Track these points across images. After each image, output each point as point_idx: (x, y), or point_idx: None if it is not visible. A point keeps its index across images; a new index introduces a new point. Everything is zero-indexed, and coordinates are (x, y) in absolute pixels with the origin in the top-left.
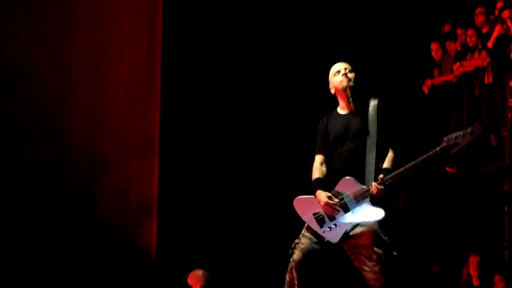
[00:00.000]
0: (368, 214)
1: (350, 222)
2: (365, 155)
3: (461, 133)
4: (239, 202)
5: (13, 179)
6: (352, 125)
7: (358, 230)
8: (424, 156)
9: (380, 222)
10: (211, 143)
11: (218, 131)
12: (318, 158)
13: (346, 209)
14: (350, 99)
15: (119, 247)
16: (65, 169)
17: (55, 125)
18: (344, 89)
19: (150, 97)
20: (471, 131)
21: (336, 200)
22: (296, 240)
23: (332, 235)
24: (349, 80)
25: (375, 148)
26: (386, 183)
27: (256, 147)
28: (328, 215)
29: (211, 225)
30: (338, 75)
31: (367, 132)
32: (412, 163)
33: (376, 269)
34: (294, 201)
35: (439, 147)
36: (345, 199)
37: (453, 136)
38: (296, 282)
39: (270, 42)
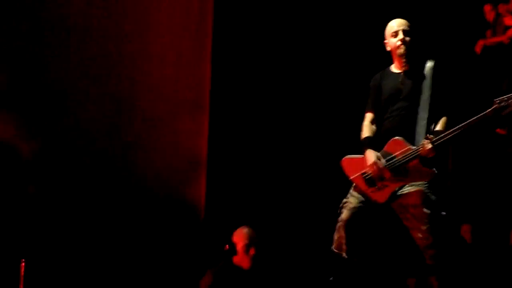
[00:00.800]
0: (417, 174)
1: (398, 183)
2: (417, 116)
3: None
4: (287, 161)
5: (64, 136)
6: (406, 84)
7: (406, 189)
8: (474, 118)
9: (429, 182)
10: (261, 102)
11: (268, 96)
12: (369, 116)
13: (395, 170)
14: (405, 61)
15: (168, 203)
16: (116, 124)
17: (109, 87)
18: (401, 54)
19: (201, 54)
20: None
21: (384, 161)
22: (344, 200)
23: (380, 195)
24: (406, 45)
25: (427, 109)
26: (436, 143)
27: (305, 108)
28: (378, 175)
29: (260, 183)
30: (396, 37)
31: (420, 93)
32: (462, 124)
33: (424, 228)
34: (342, 160)
35: (490, 109)
36: (394, 160)
37: (505, 98)
38: (343, 241)
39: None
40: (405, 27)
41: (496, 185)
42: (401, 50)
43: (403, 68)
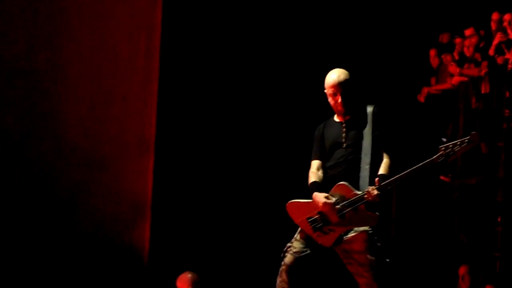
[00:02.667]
0: (363, 220)
1: (345, 228)
2: (360, 162)
3: (458, 142)
4: (232, 205)
5: (7, 177)
6: (348, 132)
7: (351, 234)
8: (420, 164)
9: (373, 228)
10: (206, 144)
11: (214, 132)
12: (315, 164)
13: (341, 214)
14: (344, 114)
15: (112, 247)
16: (60, 168)
17: (51, 123)
18: (338, 112)
19: (147, 98)
20: (468, 140)
21: (334, 199)
22: (288, 244)
23: (326, 239)
24: (342, 105)
25: (370, 154)
26: (383, 189)
27: (251, 149)
28: (323, 219)
29: (205, 227)
30: (332, 96)
31: (362, 139)
32: (408, 170)
33: (368, 274)
34: (287, 205)
35: (436, 156)
36: (340, 204)
37: (450, 145)
38: (286, 286)
39: (268, 45)
40: (339, 86)
41: (439, 231)
42: (339, 108)
43: (344, 119)
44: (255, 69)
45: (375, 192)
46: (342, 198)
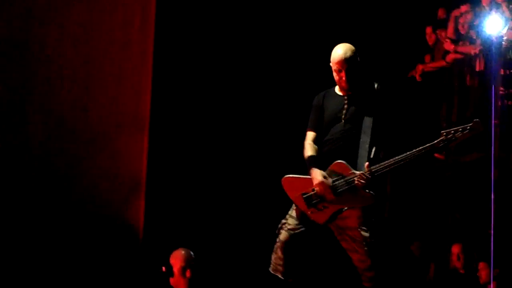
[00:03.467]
0: (357, 199)
1: (339, 206)
2: (359, 139)
3: (460, 128)
4: (226, 182)
5: (1, 156)
6: (349, 108)
7: (345, 211)
8: (422, 149)
9: (368, 205)
10: (200, 123)
11: (208, 111)
12: (310, 135)
13: (336, 192)
14: (348, 90)
15: (106, 225)
16: (55, 146)
17: (47, 102)
18: (342, 88)
19: (141, 77)
20: (470, 127)
21: (331, 180)
22: (283, 221)
23: (319, 216)
24: (347, 81)
25: (370, 133)
26: (375, 174)
27: (245, 128)
28: (318, 196)
29: (199, 205)
30: (336, 72)
31: (364, 117)
32: (404, 155)
33: (362, 250)
34: (282, 179)
35: (437, 140)
36: (337, 182)
37: (452, 131)
38: (281, 263)
39: (265, 23)
40: (345, 63)
41: (434, 208)
42: (342, 85)
43: (346, 93)
44: (251, 50)
45: (364, 178)
46: (338, 176)
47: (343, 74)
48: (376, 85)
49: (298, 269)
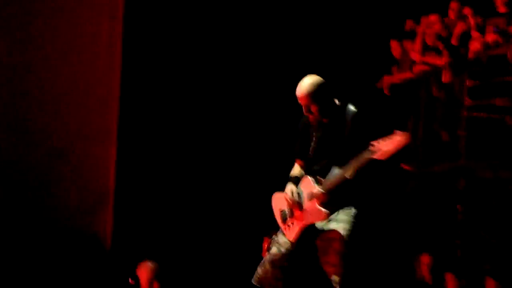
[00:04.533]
0: (313, 215)
1: (303, 222)
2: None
3: (385, 139)
4: (195, 194)
5: None
6: (329, 133)
7: (332, 225)
8: (358, 164)
9: (356, 221)
10: (169, 133)
11: (177, 121)
12: (298, 164)
13: (302, 208)
14: (321, 121)
15: (74, 235)
16: (22, 156)
17: (15, 115)
18: (312, 118)
19: (109, 87)
20: (391, 137)
21: (297, 196)
22: (274, 236)
23: (290, 233)
24: (316, 115)
25: (343, 157)
26: (330, 191)
27: (215, 138)
28: (289, 212)
29: (167, 215)
30: (304, 108)
31: (344, 140)
32: (346, 171)
33: (338, 264)
34: (272, 196)
35: (366, 152)
36: (301, 198)
37: (378, 141)
38: (270, 276)
39: (234, 28)
40: (308, 99)
41: (400, 219)
42: (312, 120)
43: (322, 123)
44: (220, 53)
45: (319, 194)
46: (304, 192)
47: (313, 108)
48: (353, 109)
49: (289, 283)
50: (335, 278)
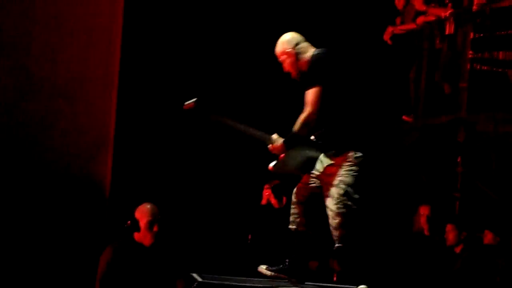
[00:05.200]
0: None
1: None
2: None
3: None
4: (194, 141)
5: None
6: (303, 84)
7: (328, 168)
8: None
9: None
10: (170, 81)
11: (180, 69)
12: None
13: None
14: (298, 75)
15: (73, 181)
16: (23, 99)
17: (15, 55)
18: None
19: (112, 31)
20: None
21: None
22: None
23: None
24: (290, 71)
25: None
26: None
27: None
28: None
29: (165, 161)
30: None
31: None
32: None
33: (334, 207)
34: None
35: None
36: None
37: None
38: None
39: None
40: (279, 57)
41: (401, 170)
42: (293, 77)
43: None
44: (218, 45)
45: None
46: None
47: (284, 66)
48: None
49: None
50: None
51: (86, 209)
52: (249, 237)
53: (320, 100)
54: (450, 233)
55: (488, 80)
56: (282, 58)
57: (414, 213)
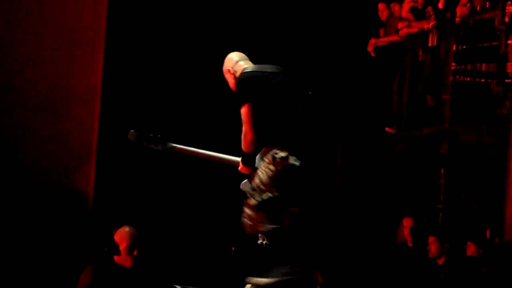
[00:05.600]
0: None
1: None
2: None
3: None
4: (180, 156)
5: None
6: None
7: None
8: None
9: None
10: (153, 91)
11: (161, 79)
12: None
13: None
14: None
15: (55, 193)
16: (5, 109)
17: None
18: None
19: (94, 44)
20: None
21: None
22: None
23: None
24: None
25: None
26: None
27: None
28: None
29: (150, 174)
30: None
31: None
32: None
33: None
34: None
35: None
36: None
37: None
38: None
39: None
40: (223, 72)
41: (384, 181)
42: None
43: None
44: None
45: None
46: None
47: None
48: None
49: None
50: None
51: (68, 221)
52: (233, 249)
53: (254, 116)
54: (433, 245)
55: (470, 92)
56: (225, 76)
57: (397, 225)
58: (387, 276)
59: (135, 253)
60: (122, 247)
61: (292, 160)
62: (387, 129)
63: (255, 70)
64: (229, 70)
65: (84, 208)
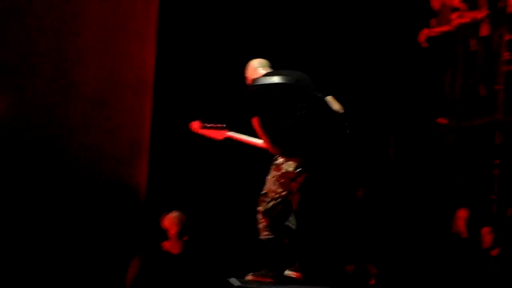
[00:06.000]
0: None
1: None
2: None
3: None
4: (230, 148)
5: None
6: None
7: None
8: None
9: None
10: (205, 84)
11: (213, 74)
12: None
13: None
14: None
15: (108, 186)
16: (58, 103)
17: (53, 60)
18: None
19: (145, 32)
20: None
21: None
22: None
23: None
24: None
25: None
26: None
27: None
28: None
29: (202, 166)
30: None
31: None
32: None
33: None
34: None
35: None
36: None
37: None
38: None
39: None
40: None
41: (437, 173)
42: None
43: None
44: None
45: None
46: None
47: None
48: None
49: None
50: None
51: (122, 213)
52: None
53: (264, 127)
54: (487, 236)
55: None
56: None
57: (451, 215)
58: (441, 267)
59: (185, 238)
60: (172, 232)
61: None
62: (440, 119)
63: (257, 83)
64: (247, 77)
65: (137, 200)
